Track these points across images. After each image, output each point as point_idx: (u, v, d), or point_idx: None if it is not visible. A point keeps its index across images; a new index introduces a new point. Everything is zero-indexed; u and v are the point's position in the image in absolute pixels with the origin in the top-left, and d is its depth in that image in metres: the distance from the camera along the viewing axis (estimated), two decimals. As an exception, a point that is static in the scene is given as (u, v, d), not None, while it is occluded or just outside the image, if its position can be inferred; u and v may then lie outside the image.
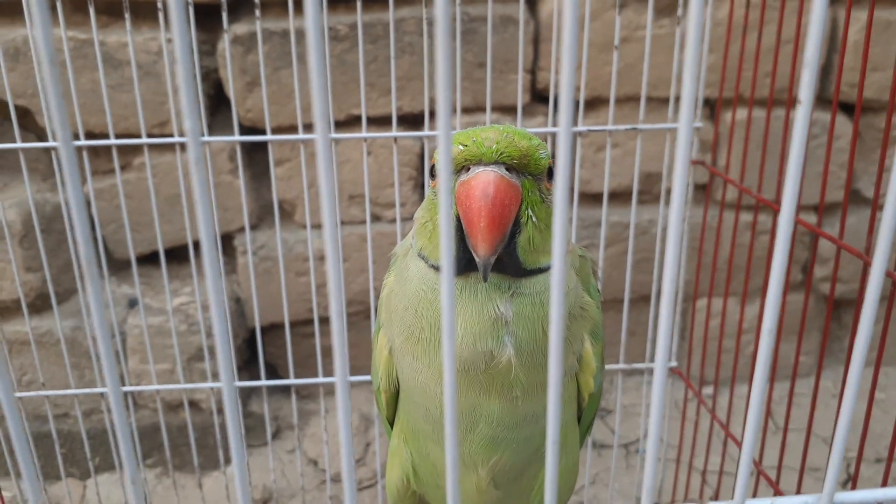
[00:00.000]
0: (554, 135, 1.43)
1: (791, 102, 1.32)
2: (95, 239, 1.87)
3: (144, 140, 1.32)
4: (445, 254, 0.38)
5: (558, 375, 0.40)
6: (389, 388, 0.89)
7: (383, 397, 0.91)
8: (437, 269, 0.75)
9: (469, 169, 0.71)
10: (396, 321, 0.81)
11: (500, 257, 0.71)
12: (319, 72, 0.34)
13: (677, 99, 1.99)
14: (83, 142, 1.31)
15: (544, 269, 0.75)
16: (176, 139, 1.33)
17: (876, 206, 1.02)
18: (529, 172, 0.73)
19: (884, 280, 0.43)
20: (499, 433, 0.81)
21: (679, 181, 0.38)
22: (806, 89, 0.37)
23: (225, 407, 0.40)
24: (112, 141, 1.32)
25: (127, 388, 1.50)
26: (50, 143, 1.29)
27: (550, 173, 0.75)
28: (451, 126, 0.37)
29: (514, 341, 0.75)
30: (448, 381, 0.40)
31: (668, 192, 2.07)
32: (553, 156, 0.82)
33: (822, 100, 2.04)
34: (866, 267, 1.03)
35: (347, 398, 0.40)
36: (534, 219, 0.72)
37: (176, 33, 0.34)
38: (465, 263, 0.72)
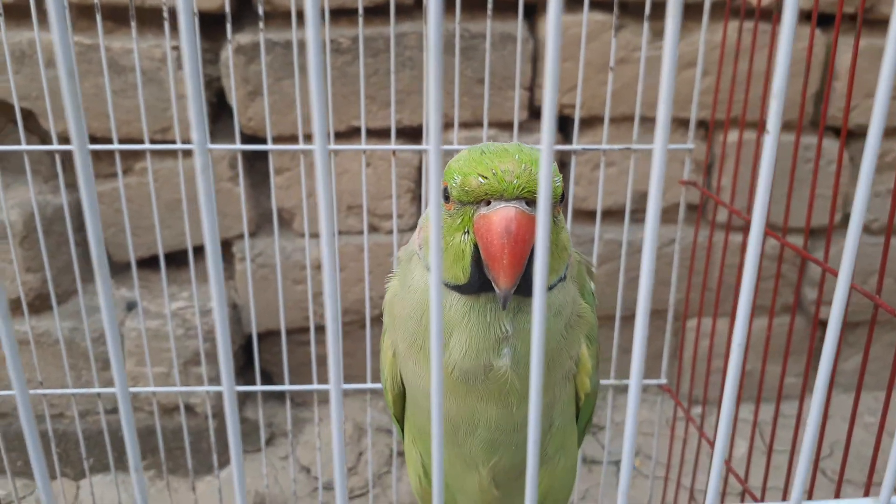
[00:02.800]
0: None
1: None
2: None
3: (147, 146, 1.34)
4: (435, 292, 0.40)
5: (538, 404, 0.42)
6: (395, 388, 0.93)
7: (390, 395, 0.95)
8: (447, 285, 0.77)
9: (489, 203, 0.72)
10: (400, 327, 0.84)
11: None
12: (319, 85, 0.37)
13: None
14: (87, 146, 1.33)
15: (550, 288, 0.79)
16: (178, 146, 1.36)
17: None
18: None
19: (849, 294, 0.45)
20: (497, 437, 0.85)
21: (654, 201, 0.40)
22: (774, 118, 0.40)
23: (225, 410, 0.42)
24: (116, 146, 1.34)
25: (130, 390, 1.51)
26: (54, 147, 1.31)
27: (562, 197, 0.78)
28: (441, 145, 0.39)
29: (513, 353, 0.78)
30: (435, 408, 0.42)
31: (659, 211, 2.09)
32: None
33: (824, 127, 2.06)
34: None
35: (341, 405, 0.42)
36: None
37: (186, 54, 0.36)
38: (479, 285, 0.75)
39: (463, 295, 0.77)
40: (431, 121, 0.38)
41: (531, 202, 0.73)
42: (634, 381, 0.43)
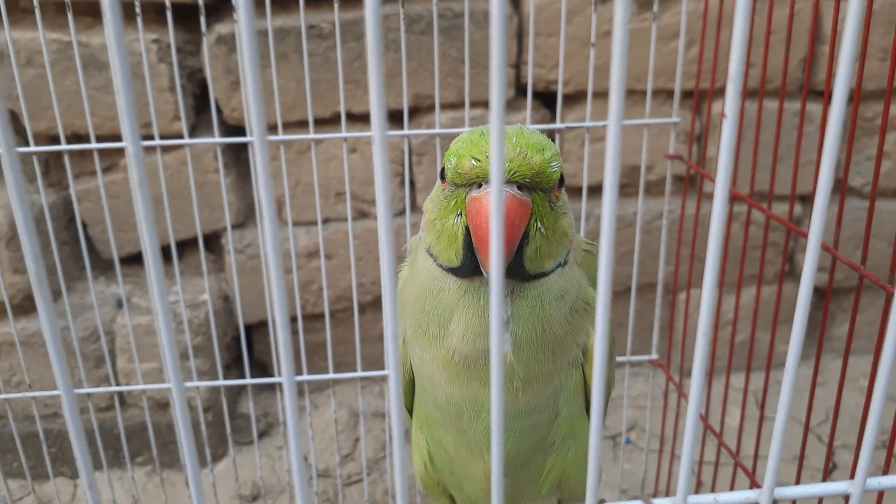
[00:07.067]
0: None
1: (763, 94, 1.33)
2: (78, 239, 1.88)
3: (126, 143, 1.33)
4: (387, 279, 0.39)
5: (499, 378, 0.41)
6: (405, 376, 0.92)
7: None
8: (444, 268, 0.77)
9: (481, 185, 0.72)
10: (408, 313, 0.84)
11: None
12: (255, 76, 0.36)
13: (654, 93, 2.00)
14: (64, 146, 1.32)
15: (548, 273, 0.78)
16: (157, 142, 1.34)
17: (844, 196, 1.03)
18: (541, 188, 0.73)
19: (819, 255, 0.45)
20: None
21: (610, 175, 0.39)
22: (731, 102, 0.39)
23: (174, 408, 0.41)
24: (94, 145, 1.33)
25: (114, 388, 1.51)
26: (30, 149, 1.30)
27: (561, 181, 0.76)
28: (385, 129, 0.38)
29: (513, 339, 0.78)
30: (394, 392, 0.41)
31: (648, 185, 2.09)
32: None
33: (813, 91, 2.05)
34: (834, 259, 1.04)
35: (294, 397, 0.42)
36: (542, 229, 0.74)
37: (114, 52, 0.35)
38: (472, 268, 0.74)
39: (459, 278, 0.77)
40: (374, 110, 0.37)
41: (525, 187, 0.72)
42: (597, 386, 0.43)
